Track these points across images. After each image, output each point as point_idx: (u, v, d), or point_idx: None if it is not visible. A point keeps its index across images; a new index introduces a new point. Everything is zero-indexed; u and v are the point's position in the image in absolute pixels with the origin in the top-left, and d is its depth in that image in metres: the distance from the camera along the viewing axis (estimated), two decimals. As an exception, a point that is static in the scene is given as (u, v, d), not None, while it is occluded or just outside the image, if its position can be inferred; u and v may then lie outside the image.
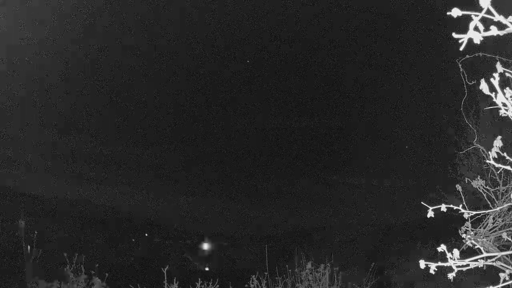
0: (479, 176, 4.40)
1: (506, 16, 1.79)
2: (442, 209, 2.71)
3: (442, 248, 2.61)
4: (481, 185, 4.26)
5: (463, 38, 1.74)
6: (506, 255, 3.73)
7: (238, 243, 38.42)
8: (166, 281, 8.46)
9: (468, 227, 4.05)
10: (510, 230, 4.31)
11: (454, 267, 2.62)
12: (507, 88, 2.33)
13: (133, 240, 36.13)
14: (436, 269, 2.59)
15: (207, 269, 35.83)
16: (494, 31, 1.78)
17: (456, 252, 2.59)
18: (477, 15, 1.71)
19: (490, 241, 4.26)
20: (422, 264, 2.57)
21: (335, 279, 8.85)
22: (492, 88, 2.21)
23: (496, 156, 2.55)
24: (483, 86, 2.21)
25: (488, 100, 2.38)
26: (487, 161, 2.64)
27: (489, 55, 4.11)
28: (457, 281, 3.21)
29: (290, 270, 8.93)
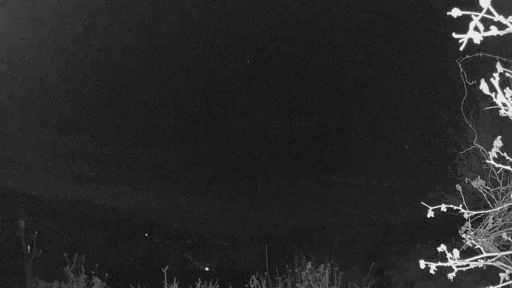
0: (479, 176, 4.41)
1: (506, 16, 1.79)
2: (442, 209, 2.71)
3: (442, 248, 2.61)
4: (481, 185, 4.26)
5: (463, 38, 1.74)
6: (506, 255, 3.73)
7: (238, 243, 38.42)
8: (166, 281, 8.46)
9: (468, 227, 4.05)
10: (510, 230, 4.31)
11: (454, 267, 2.62)
12: (507, 88, 2.33)
13: (133, 240, 36.13)
14: (436, 269, 2.59)
15: (207, 269, 35.83)
16: (494, 31, 1.78)
17: (456, 252, 2.59)
18: (477, 15, 1.71)
19: (490, 241, 4.26)
20: (422, 264, 2.57)
21: (335, 279, 8.85)
22: (492, 88, 2.21)
23: (496, 156, 2.55)
24: (483, 86, 2.21)
25: (488, 100, 2.38)
26: (487, 161, 2.64)
27: (489, 55, 4.12)
28: (457, 281, 3.21)
29: (290, 270, 8.93)
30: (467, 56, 3.90)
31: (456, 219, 3.75)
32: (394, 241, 21.02)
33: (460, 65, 3.93)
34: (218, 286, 8.69)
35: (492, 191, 4.44)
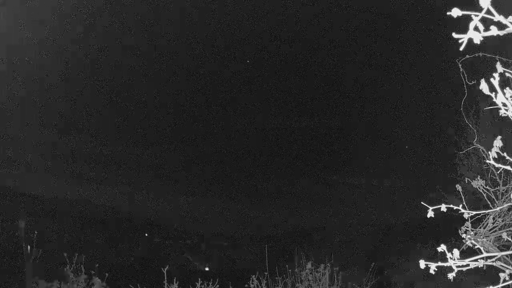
0: (479, 176, 4.41)
1: (506, 16, 1.79)
2: (442, 209, 2.71)
3: (442, 248, 2.61)
4: (481, 185, 4.26)
5: (463, 38, 1.74)
6: (506, 255, 3.73)
7: (238, 243, 38.42)
8: (166, 281, 8.46)
9: (468, 227, 4.05)
10: (510, 230, 4.31)
11: (454, 267, 2.62)
12: (507, 88, 2.33)
13: (133, 240, 36.14)
14: (436, 269, 2.59)
15: (207, 269, 35.83)
16: (494, 31, 1.78)
17: (456, 252, 2.59)
18: (477, 15, 1.71)
19: (490, 241, 4.26)
20: (422, 264, 2.57)
21: (335, 279, 8.85)
22: (492, 88, 2.21)
23: (496, 156, 2.55)
24: (483, 86, 2.21)
25: (488, 100, 2.38)
26: (487, 161, 2.64)
27: (489, 55, 4.12)
28: (457, 281, 3.21)
29: (290, 270, 8.93)
30: (467, 56, 3.90)
31: (456, 219, 3.75)
32: (394, 241, 21.02)
33: (460, 65, 3.93)
34: (218, 286, 8.69)
35: (492, 191, 4.44)
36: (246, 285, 8.68)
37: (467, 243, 3.62)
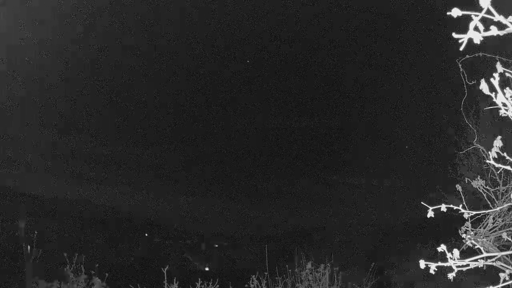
0: (479, 176, 4.41)
1: (506, 16, 1.79)
2: (442, 209, 2.71)
3: (442, 248, 2.61)
4: (481, 185, 4.26)
5: (463, 38, 1.74)
6: (506, 255, 3.73)
7: (238, 243, 38.44)
8: (166, 281, 8.46)
9: (468, 227, 4.05)
10: (510, 230, 4.31)
11: (454, 267, 2.62)
12: (507, 88, 2.33)
13: (133, 240, 36.15)
14: (436, 269, 2.59)
15: (207, 269, 35.84)
16: (494, 31, 1.78)
17: (456, 252, 2.59)
18: (477, 15, 1.71)
19: (490, 241, 4.26)
20: (422, 264, 2.57)
21: (335, 279, 8.85)
22: (492, 88, 2.21)
23: (496, 156, 2.55)
24: (483, 86, 2.21)
25: (488, 100, 2.38)
26: (487, 161, 2.64)
27: (489, 55, 4.12)
28: (457, 281, 3.21)
29: (290, 270, 8.93)
30: (467, 56, 3.90)
31: (456, 219, 3.75)
32: (394, 241, 21.01)
33: (460, 65, 3.93)
34: (218, 286, 8.69)
35: (492, 191, 4.44)
36: (246, 285, 8.68)
37: (467, 243, 3.62)
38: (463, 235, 3.95)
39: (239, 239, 38.77)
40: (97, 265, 10.00)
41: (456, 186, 4.20)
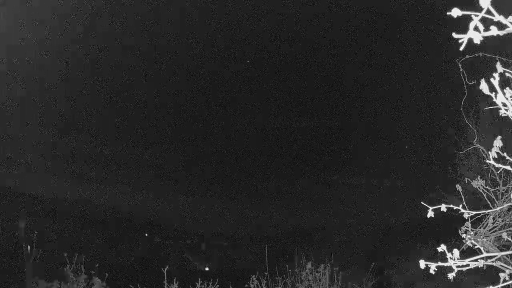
0: (479, 176, 4.41)
1: (506, 16, 1.79)
2: (442, 209, 2.71)
3: (442, 248, 2.61)
4: (481, 185, 4.26)
5: (463, 38, 1.74)
6: (506, 255, 3.73)
7: (238, 243, 38.44)
8: (166, 281, 8.46)
9: (468, 227, 4.05)
10: (510, 230, 4.31)
11: (454, 267, 2.62)
12: (507, 88, 2.33)
13: (133, 240, 36.15)
14: (436, 269, 2.59)
15: (207, 269, 35.84)
16: (494, 31, 1.78)
17: (456, 252, 2.59)
18: (477, 15, 1.71)
19: (490, 241, 4.26)
20: (422, 264, 2.57)
21: (335, 279, 8.85)
22: (492, 88, 2.21)
23: (496, 156, 2.55)
24: (483, 86, 2.21)
25: (488, 100, 2.38)
26: (487, 161, 2.64)
27: (489, 55, 4.12)
28: (457, 281, 3.21)
29: (290, 270, 8.93)
30: (467, 56, 3.90)
31: (456, 219, 3.75)
32: (394, 241, 21.00)
33: (460, 65, 3.93)
34: (218, 286, 8.69)
35: (492, 191, 4.44)
36: (246, 285, 8.68)
37: (467, 243, 3.62)
38: (463, 235, 3.95)
39: (239, 239, 38.77)
40: (97, 265, 10.00)
41: (456, 186, 4.20)
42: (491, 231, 4.35)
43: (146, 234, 37.98)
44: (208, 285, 8.70)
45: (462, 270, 2.65)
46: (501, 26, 1.80)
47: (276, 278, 8.96)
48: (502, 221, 4.40)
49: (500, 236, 4.19)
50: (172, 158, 46.61)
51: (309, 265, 8.71)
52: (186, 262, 35.95)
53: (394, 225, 25.56)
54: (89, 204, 36.63)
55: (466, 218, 3.75)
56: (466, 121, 5.81)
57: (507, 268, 3.18)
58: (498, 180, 4.67)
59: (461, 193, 3.89)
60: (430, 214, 2.64)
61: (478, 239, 4.12)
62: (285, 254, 14.28)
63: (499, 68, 2.24)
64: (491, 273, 3.41)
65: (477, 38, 1.73)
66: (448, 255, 2.58)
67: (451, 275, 2.67)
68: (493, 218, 4.37)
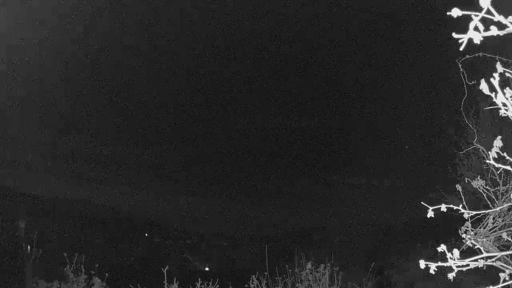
0: (479, 176, 4.41)
1: (506, 16, 1.79)
2: (442, 209, 2.71)
3: (442, 248, 2.61)
4: (481, 185, 4.26)
5: (463, 38, 1.74)
6: (506, 255, 3.73)
7: (238, 243, 38.43)
8: (166, 281, 8.46)
9: (468, 227, 4.05)
10: (510, 230, 4.31)
11: (454, 267, 2.62)
12: (507, 88, 2.33)
13: (133, 240, 36.15)
14: (436, 269, 2.59)
15: (207, 269, 35.84)
16: (494, 31, 1.78)
17: (456, 252, 2.59)
18: (477, 15, 1.71)
19: (490, 241, 4.26)
20: (422, 264, 2.57)
21: (335, 279, 8.85)
22: (492, 88, 2.21)
23: (496, 156, 2.55)
24: (483, 86, 2.21)
25: (488, 100, 2.38)
26: (487, 161, 2.64)
27: (489, 55, 4.12)
28: (457, 281, 3.21)
29: (290, 270, 8.93)
30: (467, 56, 3.90)
31: (456, 219, 3.75)
32: (394, 241, 21.01)
33: (460, 65, 3.93)
34: (218, 286, 8.69)
35: (492, 191, 4.44)
36: (246, 285, 8.68)
37: (467, 243, 3.62)
38: (463, 235, 3.95)
39: (239, 239, 38.76)
40: (97, 265, 10.00)
41: (456, 186, 4.20)
42: (491, 231, 4.35)
43: (146, 234, 37.98)
44: (208, 285, 8.70)
45: (462, 270, 2.65)
46: (501, 26, 1.80)
47: (276, 278, 8.96)
48: (502, 221, 4.40)
49: (500, 236, 4.19)
50: (172, 158, 46.63)
51: (309, 265, 8.71)
52: (186, 262, 35.96)
53: (394, 225, 25.56)
54: (89, 204, 36.62)
55: (466, 218, 3.75)
56: (466, 121, 5.81)
57: (507, 268, 3.18)
58: (498, 180, 4.67)
59: (461, 193, 3.89)
60: (430, 214, 2.64)
61: (478, 239, 4.12)
62: (285, 254, 14.28)
63: (499, 68, 2.24)
64: (491, 273, 3.41)
65: (477, 38, 1.73)
66: (448, 255, 2.58)
67: (451, 275, 2.67)
68: (493, 218, 4.37)
